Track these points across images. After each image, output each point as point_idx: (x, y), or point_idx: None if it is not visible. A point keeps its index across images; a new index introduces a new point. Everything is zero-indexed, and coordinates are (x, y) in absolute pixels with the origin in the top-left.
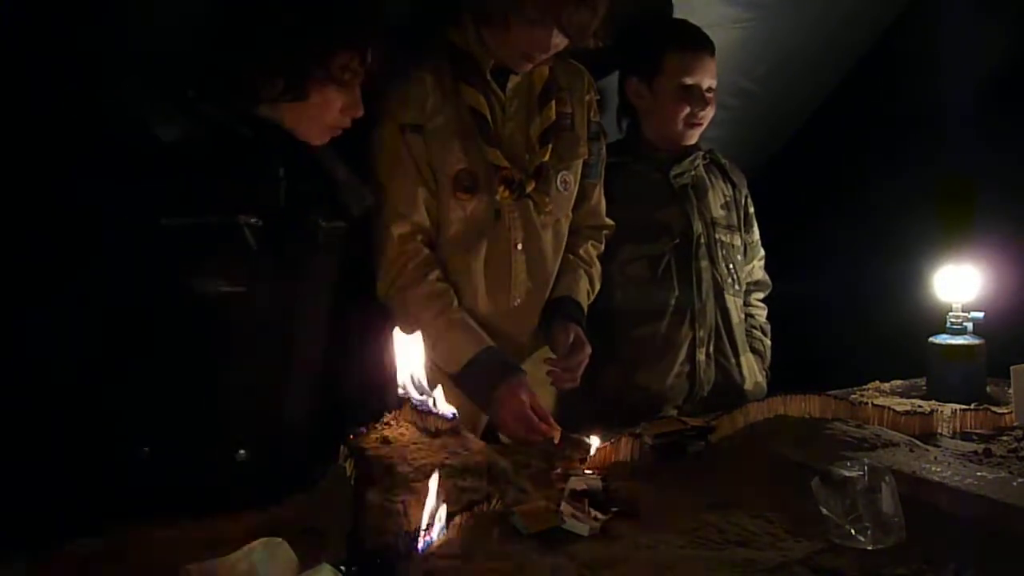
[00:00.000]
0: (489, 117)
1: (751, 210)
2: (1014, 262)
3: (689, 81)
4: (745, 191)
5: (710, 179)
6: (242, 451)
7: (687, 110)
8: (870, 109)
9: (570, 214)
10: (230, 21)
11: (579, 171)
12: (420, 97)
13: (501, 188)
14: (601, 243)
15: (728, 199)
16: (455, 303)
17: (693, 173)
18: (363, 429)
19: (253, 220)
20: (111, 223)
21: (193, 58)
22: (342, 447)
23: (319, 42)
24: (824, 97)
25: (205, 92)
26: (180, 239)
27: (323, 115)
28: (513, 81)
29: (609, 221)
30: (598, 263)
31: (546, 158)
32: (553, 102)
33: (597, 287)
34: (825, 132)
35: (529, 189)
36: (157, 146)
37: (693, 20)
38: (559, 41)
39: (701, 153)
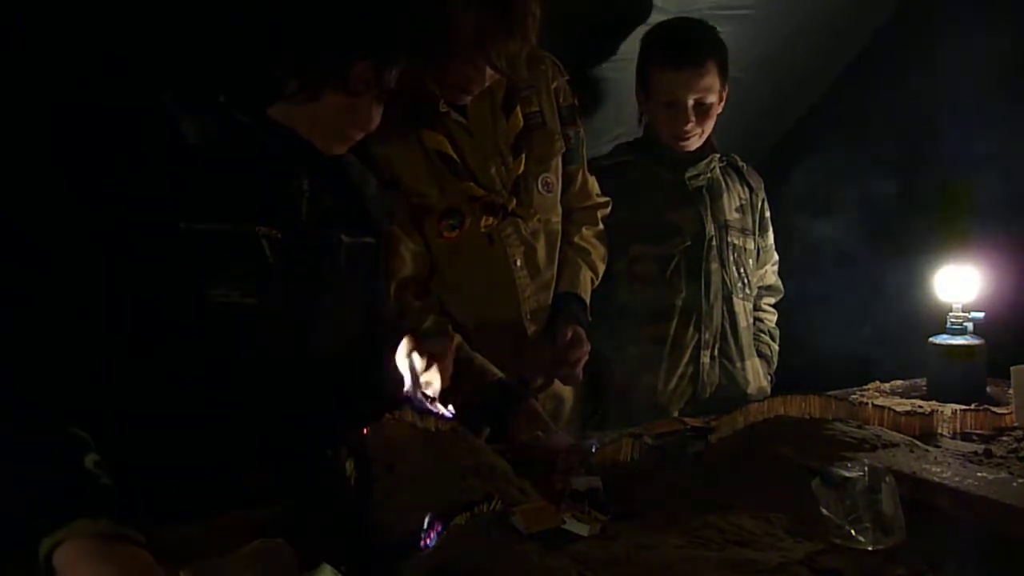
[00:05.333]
0: (454, 152)
1: (767, 214)
2: (1014, 262)
3: (669, 99)
4: (762, 195)
5: (726, 182)
6: (252, 467)
7: (672, 126)
8: (870, 107)
9: (559, 208)
10: (254, 15)
11: (560, 165)
12: (387, 155)
13: (484, 217)
14: (597, 223)
15: (744, 202)
16: (454, 343)
17: (709, 175)
18: (364, 430)
19: (271, 231)
20: (127, 222)
21: (218, 57)
22: (342, 448)
23: (341, 46)
24: (821, 91)
25: (232, 94)
26: (196, 245)
27: (332, 122)
28: (471, 101)
29: (602, 198)
30: (599, 244)
31: (521, 169)
32: (518, 107)
33: (601, 268)
34: (824, 129)
35: (512, 207)
36: (181, 148)
37: (683, 9)
38: (493, 72)
39: (718, 156)
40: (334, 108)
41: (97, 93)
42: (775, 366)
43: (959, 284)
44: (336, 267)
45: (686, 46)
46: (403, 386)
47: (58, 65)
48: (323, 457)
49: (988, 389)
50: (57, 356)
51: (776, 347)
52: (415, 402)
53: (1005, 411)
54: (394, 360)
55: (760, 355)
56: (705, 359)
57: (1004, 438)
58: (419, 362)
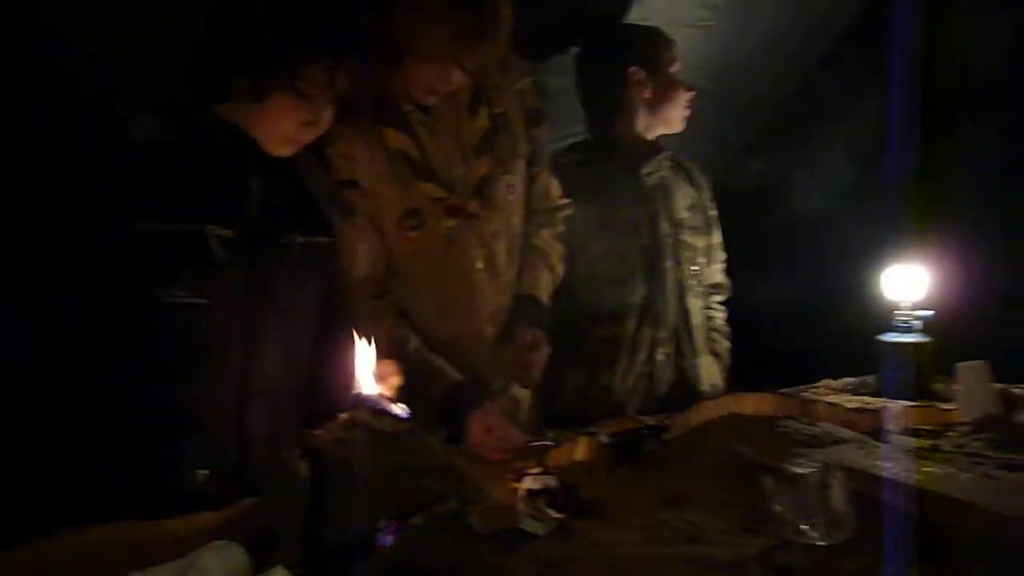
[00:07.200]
0: (417, 152)
1: (713, 213)
2: (963, 261)
3: (677, 71)
4: (708, 194)
5: (676, 180)
6: (202, 470)
7: (683, 98)
8: (821, 109)
9: (521, 210)
10: (211, 15)
11: (523, 167)
12: (347, 153)
13: (446, 218)
14: (557, 225)
15: (693, 201)
16: (409, 345)
17: (662, 173)
18: (318, 430)
19: (222, 231)
20: (74, 221)
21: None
22: (297, 448)
23: (290, 47)
24: (781, 98)
25: (180, 93)
26: (145, 245)
27: (279, 124)
28: (436, 100)
29: (562, 200)
30: (558, 245)
31: (484, 170)
32: (483, 108)
33: (561, 269)
34: (775, 131)
35: (474, 209)
36: (129, 147)
37: (657, 17)
38: (460, 76)
39: (669, 153)
40: (281, 110)
41: (45, 91)
42: (728, 364)
43: (907, 283)
44: (289, 266)
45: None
46: (358, 386)
47: (5, 63)
48: (277, 458)
49: (936, 386)
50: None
51: (728, 344)
52: (370, 402)
53: (952, 407)
54: (349, 360)
55: (712, 353)
56: (660, 357)
57: (951, 433)
58: (375, 365)
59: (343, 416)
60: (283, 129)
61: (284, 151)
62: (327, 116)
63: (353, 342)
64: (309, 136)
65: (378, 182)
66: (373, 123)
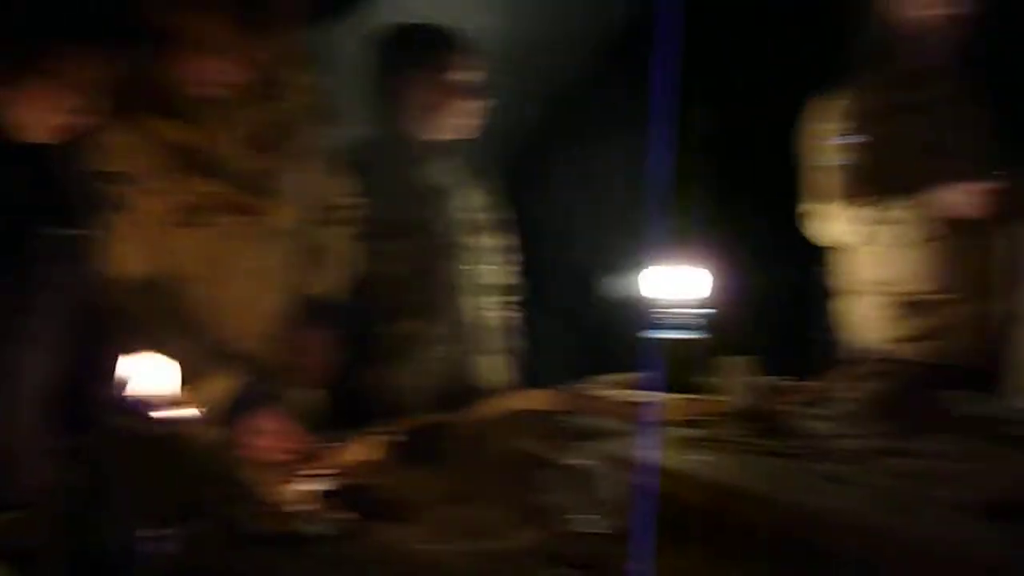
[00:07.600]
0: (196, 146)
1: (501, 215)
2: (733, 259)
3: (472, 77)
4: (497, 196)
5: (466, 181)
6: None
7: (477, 103)
8: (593, 106)
9: (307, 208)
10: None
11: (310, 163)
12: (116, 144)
13: (226, 215)
14: (346, 223)
15: (483, 202)
16: (187, 345)
17: (452, 174)
18: (86, 435)
19: None
20: None
21: None
22: (62, 455)
23: (45, 32)
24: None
25: None
26: None
27: (33, 111)
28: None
29: (350, 198)
30: (346, 244)
31: (268, 166)
32: (268, 102)
33: (349, 268)
34: (549, 128)
35: (256, 205)
36: None
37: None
38: (243, 69)
39: (457, 155)
40: (35, 97)
41: None
42: (517, 362)
43: (677, 281)
44: (46, 263)
45: None
46: (127, 388)
47: None
48: (40, 467)
49: (702, 379)
50: None
51: (517, 343)
52: (142, 406)
53: (719, 399)
54: (118, 362)
55: (499, 351)
56: (451, 355)
57: (717, 423)
58: (143, 367)
59: (112, 421)
60: (39, 117)
61: (41, 139)
62: (90, 105)
63: (122, 343)
64: (69, 125)
65: (151, 175)
66: (147, 114)
